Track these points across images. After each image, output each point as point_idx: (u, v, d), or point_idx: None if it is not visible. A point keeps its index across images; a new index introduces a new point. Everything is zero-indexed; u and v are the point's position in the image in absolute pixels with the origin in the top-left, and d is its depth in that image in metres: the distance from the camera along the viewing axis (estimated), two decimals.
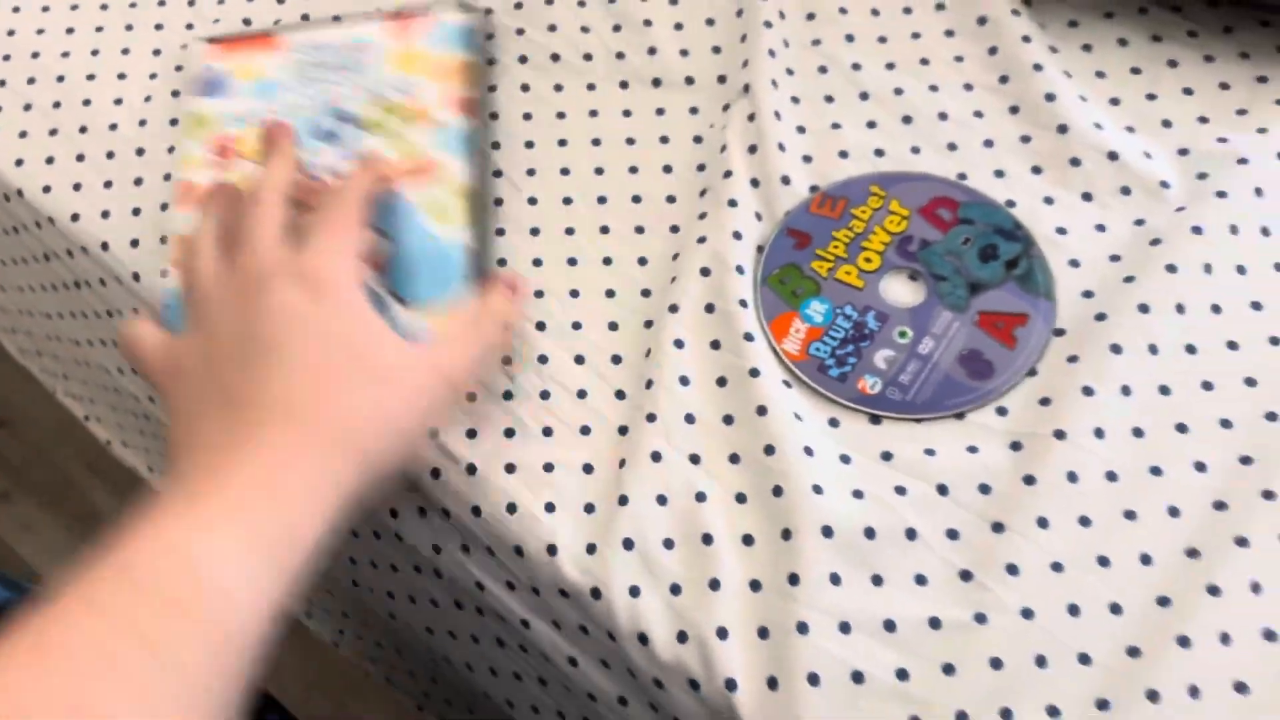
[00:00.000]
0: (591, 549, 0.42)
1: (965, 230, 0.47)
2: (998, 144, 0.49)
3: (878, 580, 0.40)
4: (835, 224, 0.48)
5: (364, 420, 0.40)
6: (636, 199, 0.50)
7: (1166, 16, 0.52)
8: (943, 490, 0.42)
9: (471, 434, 0.45)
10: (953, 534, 0.41)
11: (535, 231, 0.50)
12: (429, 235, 0.48)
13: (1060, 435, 0.42)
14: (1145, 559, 0.40)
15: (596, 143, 0.52)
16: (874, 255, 0.47)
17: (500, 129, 0.53)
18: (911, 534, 0.41)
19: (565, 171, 0.52)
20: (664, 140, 0.52)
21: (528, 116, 0.53)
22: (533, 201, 0.51)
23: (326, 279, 0.41)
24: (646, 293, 0.48)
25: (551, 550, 0.42)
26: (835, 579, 0.40)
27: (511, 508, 0.43)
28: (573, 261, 0.49)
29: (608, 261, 0.49)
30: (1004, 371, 0.44)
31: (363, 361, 0.40)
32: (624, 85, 0.54)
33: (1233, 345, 0.43)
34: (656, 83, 0.53)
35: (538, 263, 0.49)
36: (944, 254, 0.47)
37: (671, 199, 0.50)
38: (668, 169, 0.51)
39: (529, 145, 0.52)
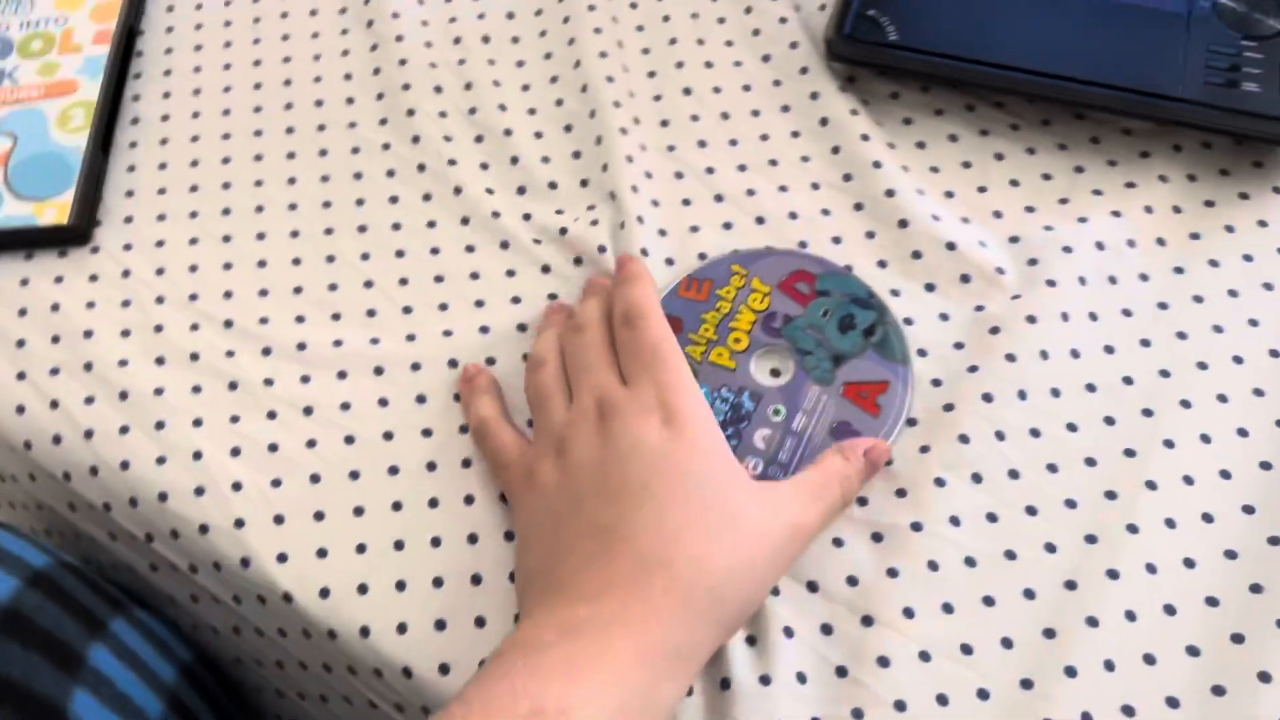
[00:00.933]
0: None
1: (824, 302, 0.46)
2: (845, 240, 0.49)
3: (765, 680, 0.39)
4: (703, 306, 0.47)
5: (725, 574, 0.37)
6: (516, 299, 0.48)
7: (990, 112, 0.52)
8: (812, 587, 0.41)
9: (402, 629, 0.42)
10: (826, 629, 0.40)
11: (410, 338, 0.48)
12: (51, 141, 0.53)
13: (917, 527, 0.41)
14: (1006, 642, 0.39)
15: (470, 249, 0.50)
16: (742, 335, 0.46)
17: (369, 239, 0.51)
18: (789, 632, 0.40)
19: (439, 279, 0.49)
20: (536, 242, 0.50)
21: (396, 226, 0.51)
22: (407, 310, 0.49)
23: (681, 409, 0.39)
24: None
25: None
26: (725, 684, 0.39)
27: (445, 668, 0.41)
28: (453, 364, 0.47)
29: (491, 361, 0.47)
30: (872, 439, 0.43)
31: (726, 513, 0.38)
32: (490, 192, 0.52)
33: (1072, 427, 0.43)
34: (521, 190, 0.52)
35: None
36: (806, 328, 0.46)
37: (554, 296, 0.48)
38: (546, 269, 0.49)
39: (399, 255, 0.50)
